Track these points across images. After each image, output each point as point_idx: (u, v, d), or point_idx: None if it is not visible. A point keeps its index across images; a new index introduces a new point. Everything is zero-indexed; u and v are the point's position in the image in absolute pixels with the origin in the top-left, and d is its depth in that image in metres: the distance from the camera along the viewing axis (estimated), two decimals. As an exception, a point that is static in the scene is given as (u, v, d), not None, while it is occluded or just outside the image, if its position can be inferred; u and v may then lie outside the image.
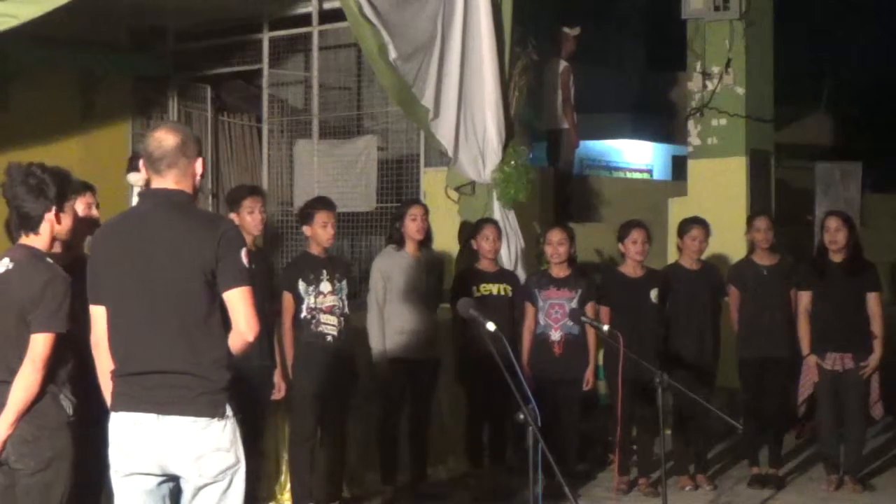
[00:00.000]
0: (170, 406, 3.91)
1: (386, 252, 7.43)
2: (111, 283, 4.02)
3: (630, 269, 7.66)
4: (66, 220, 4.63)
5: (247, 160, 11.45)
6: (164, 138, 4.04)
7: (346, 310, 6.91)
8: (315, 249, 6.92)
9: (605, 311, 7.58)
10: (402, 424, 7.39)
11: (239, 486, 4.02)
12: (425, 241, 7.42)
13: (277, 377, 6.61)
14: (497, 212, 8.61)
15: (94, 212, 5.35)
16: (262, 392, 6.45)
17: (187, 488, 3.99)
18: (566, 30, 11.57)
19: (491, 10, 8.57)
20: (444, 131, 8.62)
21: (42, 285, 4.40)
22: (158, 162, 4.04)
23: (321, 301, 6.79)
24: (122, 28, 10.83)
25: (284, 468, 7.07)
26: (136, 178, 7.77)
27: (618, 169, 19.70)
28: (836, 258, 7.61)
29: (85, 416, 4.67)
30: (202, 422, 3.92)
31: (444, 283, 7.71)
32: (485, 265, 7.64)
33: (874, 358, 7.53)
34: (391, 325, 7.22)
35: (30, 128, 9.66)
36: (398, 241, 7.36)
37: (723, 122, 10.30)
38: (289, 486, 7.02)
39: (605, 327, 6.60)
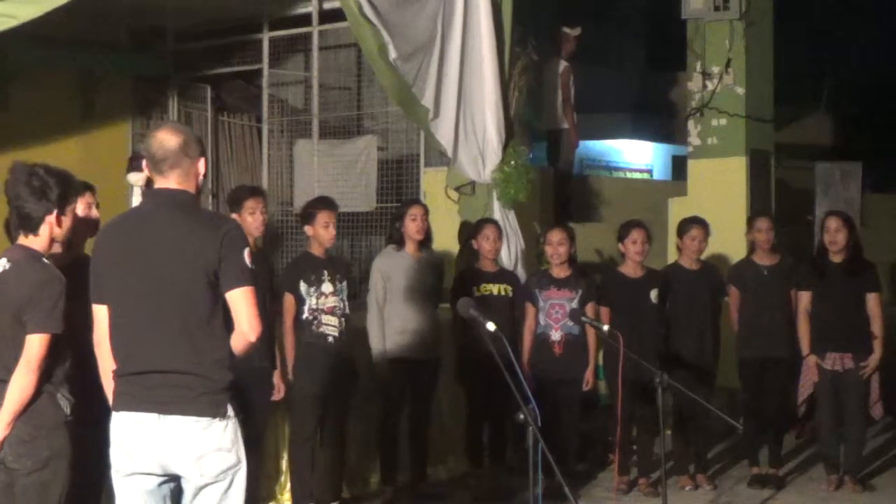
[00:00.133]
0: (171, 406, 3.91)
1: (386, 252, 7.43)
2: (113, 283, 4.03)
3: (630, 269, 7.66)
4: (66, 223, 4.63)
5: (247, 160, 11.45)
6: (166, 139, 4.04)
7: (347, 310, 6.91)
8: (316, 250, 6.92)
9: (605, 311, 7.59)
10: (402, 424, 7.39)
11: (240, 486, 4.02)
12: (425, 241, 7.42)
13: (277, 378, 6.61)
14: (497, 212, 8.61)
15: (94, 212, 5.34)
16: (262, 393, 6.44)
17: (188, 488, 3.99)
18: (567, 30, 11.57)
19: (491, 10, 8.57)
20: (443, 131, 8.62)
21: (37, 286, 4.40)
22: (161, 163, 4.04)
23: (323, 302, 6.79)
24: (122, 28, 10.84)
25: (284, 468, 7.07)
26: (136, 178, 7.79)
27: (618, 169, 19.70)
28: (836, 258, 7.61)
29: (85, 416, 4.68)
30: (203, 422, 3.92)
31: (444, 283, 7.70)
32: (485, 265, 7.64)
33: (874, 358, 7.53)
34: (391, 326, 7.22)
35: (30, 128, 9.66)
36: (398, 241, 7.36)
37: (723, 122, 10.30)
38: (289, 486, 7.02)
39: (605, 327, 6.60)
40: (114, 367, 4.03)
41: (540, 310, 7.55)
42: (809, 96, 16.81)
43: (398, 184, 9.93)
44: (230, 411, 3.97)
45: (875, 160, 13.67)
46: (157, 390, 3.92)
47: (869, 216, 11.93)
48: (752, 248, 7.97)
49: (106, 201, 5.70)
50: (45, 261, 4.53)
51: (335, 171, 10.19)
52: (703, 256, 7.94)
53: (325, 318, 6.79)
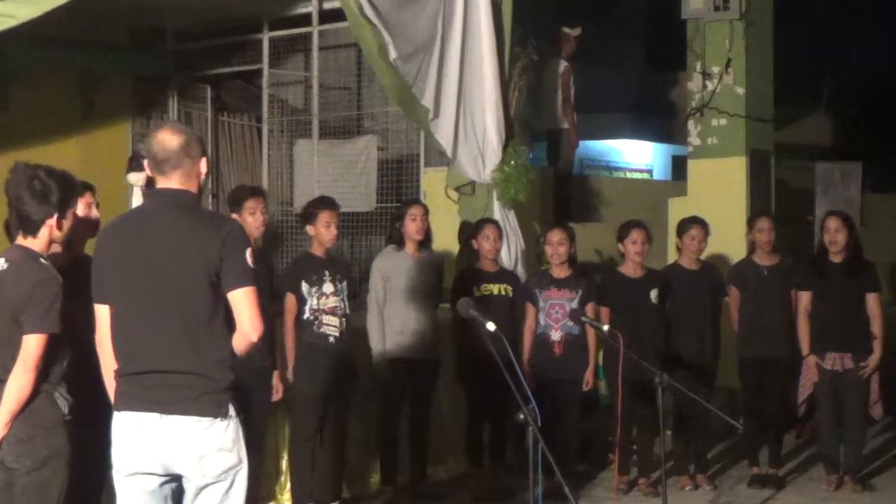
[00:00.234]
0: (173, 406, 3.91)
1: (386, 252, 7.43)
2: (115, 283, 4.03)
3: (630, 269, 7.66)
4: (66, 226, 4.64)
5: (247, 160, 11.45)
6: (168, 139, 4.04)
7: (347, 310, 6.92)
8: (317, 250, 6.92)
9: (605, 311, 7.58)
10: (402, 424, 7.39)
11: (241, 486, 4.02)
12: (425, 241, 7.42)
13: (276, 379, 6.61)
14: (497, 212, 8.61)
15: (94, 212, 5.35)
16: (262, 393, 6.44)
17: (189, 488, 3.99)
18: (567, 30, 11.57)
19: (491, 10, 8.57)
20: (443, 131, 8.62)
21: (33, 286, 4.41)
22: (163, 163, 4.04)
23: (324, 302, 6.79)
24: (122, 28, 10.84)
25: (284, 468, 7.08)
26: (136, 178, 7.79)
27: (618, 169, 19.70)
28: (836, 258, 7.61)
29: (86, 416, 4.68)
30: (205, 421, 3.92)
31: (444, 283, 7.70)
32: (485, 265, 7.64)
33: (874, 358, 7.53)
34: (391, 326, 7.22)
35: (30, 128, 9.66)
36: (398, 241, 7.36)
37: (723, 122, 10.29)
38: (289, 486, 7.03)
39: (606, 327, 6.61)
40: (115, 366, 4.04)
41: (540, 310, 7.56)
42: (809, 96, 16.81)
43: (398, 184, 9.93)
44: (232, 411, 3.97)
45: (875, 160, 13.67)
46: (159, 390, 3.92)
47: (869, 216, 11.93)
48: (752, 248, 7.97)
49: (106, 201, 5.70)
50: (43, 261, 4.54)
51: (335, 171, 10.19)
52: (703, 256, 7.95)
53: (325, 319, 6.79)
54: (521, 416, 4.33)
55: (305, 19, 10.36)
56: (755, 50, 10.31)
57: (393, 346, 7.19)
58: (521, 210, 8.94)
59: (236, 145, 11.49)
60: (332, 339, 6.80)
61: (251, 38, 10.73)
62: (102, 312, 4.07)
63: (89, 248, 5.03)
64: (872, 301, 7.60)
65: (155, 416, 3.92)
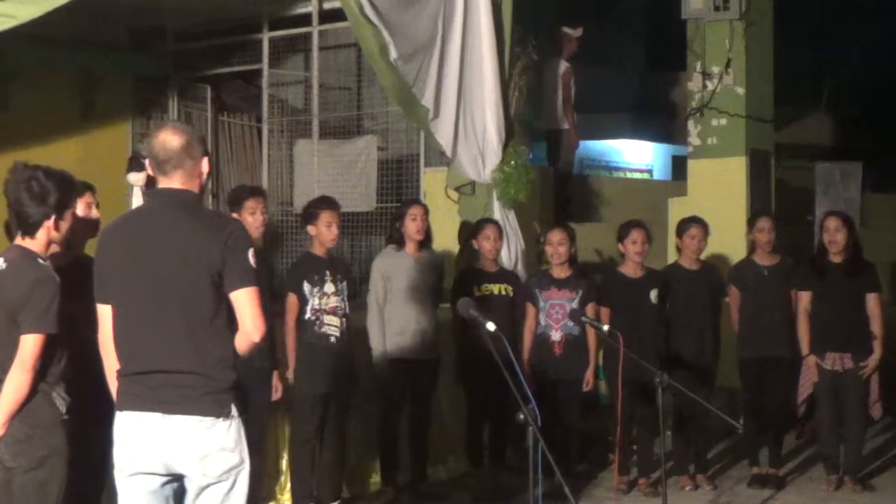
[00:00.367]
0: (175, 405, 3.91)
1: (386, 252, 7.43)
2: (117, 283, 4.03)
3: (630, 269, 7.66)
4: (64, 227, 4.65)
5: (247, 160, 11.45)
6: (169, 140, 4.04)
7: (347, 310, 6.92)
8: (318, 250, 6.92)
9: (605, 311, 7.58)
10: (402, 424, 7.39)
11: (243, 486, 4.02)
12: (425, 241, 7.42)
13: (276, 378, 6.61)
14: (497, 212, 8.61)
15: (94, 212, 5.35)
16: (262, 393, 6.44)
17: (191, 487, 4.00)
18: (568, 31, 11.57)
19: (491, 10, 8.57)
20: (443, 131, 8.61)
21: (30, 286, 4.42)
22: (164, 164, 4.04)
23: (325, 302, 6.80)
24: (122, 28, 10.84)
25: (284, 468, 7.08)
26: (136, 178, 7.78)
27: (618, 169, 19.70)
28: (836, 258, 7.61)
29: (86, 416, 4.69)
30: (207, 421, 3.92)
31: (444, 283, 7.70)
32: (485, 265, 7.64)
33: (874, 358, 7.53)
34: (391, 326, 7.22)
35: (30, 128, 9.66)
36: (398, 241, 7.36)
37: (723, 122, 10.29)
38: (289, 486, 7.03)
39: (606, 327, 6.61)
40: (118, 366, 4.04)
41: (540, 310, 7.56)
42: (809, 96, 16.80)
43: (398, 184, 9.93)
44: (234, 411, 3.97)
45: (875, 160, 13.67)
46: (161, 390, 3.93)
47: (869, 216, 11.93)
48: (752, 248, 7.97)
49: (106, 201, 5.70)
50: (41, 261, 4.55)
51: (335, 171, 10.19)
52: (703, 256, 7.95)
53: (327, 319, 6.80)
54: (521, 416, 4.34)
55: (305, 19, 10.36)
56: (755, 50, 10.31)
57: (393, 346, 7.19)
58: (521, 210, 8.94)
59: (236, 145, 11.49)
60: (332, 339, 6.80)
61: (251, 38, 10.73)
62: (105, 312, 4.08)
63: (90, 248, 5.04)
64: (872, 301, 7.61)
65: (157, 415, 3.92)
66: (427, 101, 8.51)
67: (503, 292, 7.55)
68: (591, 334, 7.46)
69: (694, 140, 10.51)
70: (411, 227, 7.31)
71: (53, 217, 4.56)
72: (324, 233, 6.86)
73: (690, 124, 10.54)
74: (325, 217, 6.86)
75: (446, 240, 8.63)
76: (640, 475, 7.64)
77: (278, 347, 6.66)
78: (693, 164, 10.56)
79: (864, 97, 18.03)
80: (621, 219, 8.24)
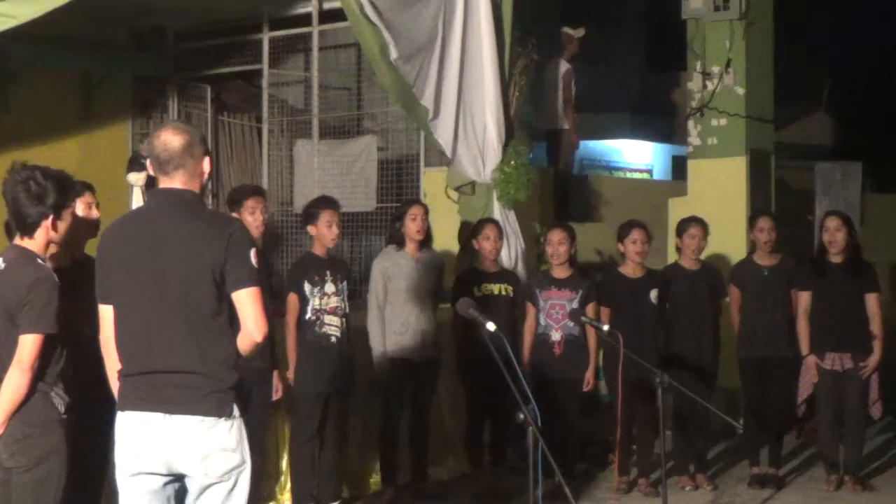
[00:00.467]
0: (177, 405, 3.92)
1: (386, 252, 7.43)
2: (119, 283, 4.03)
3: (630, 269, 7.66)
4: (62, 227, 4.65)
5: (247, 160, 11.45)
6: (171, 140, 4.04)
7: (347, 310, 6.92)
8: (318, 250, 6.92)
9: (605, 311, 7.58)
10: (402, 424, 7.38)
11: (244, 486, 4.03)
12: (426, 241, 7.42)
13: (276, 378, 6.61)
14: (497, 212, 8.61)
15: (94, 212, 5.36)
16: (262, 393, 6.44)
17: (193, 487, 4.00)
18: (570, 31, 11.56)
19: (491, 11, 8.57)
20: (443, 131, 8.62)
21: (28, 286, 4.43)
22: (166, 164, 4.04)
23: (326, 302, 6.80)
24: (122, 28, 10.84)
25: (284, 468, 7.08)
26: (136, 178, 7.78)
27: (618, 169, 19.71)
28: (836, 259, 7.61)
29: (86, 416, 4.69)
30: (209, 421, 3.92)
31: (444, 283, 7.70)
32: (486, 265, 7.64)
33: (873, 358, 7.53)
34: (391, 326, 7.22)
35: (30, 128, 9.67)
36: (398, 241, 7.36)
37: (723, 122, 10.29)
38: (289, 486, 7.03)
39: (606, 327, 6.61)
40: (120, 366, 4.04)
41: (540, 310, 7.56)
42: (809, 96, 16.81)
43: (398, 184, 9.93)
44: (236, 411, 3.98)
45: (875, 160, 13.68)
46: (163, 390, 3.93)
47: (869, 216, 11.93)
48: (753, 247, 7.97)
49: (106, 201, 5.71)
50: (40, 261, 4.56)
51: (335, 171, 10.19)
52: (703, 256, 7.95)
53: (327, 319, 6.80)
54: (521, 416, 4.34)
55: (305, 19, 10.35)
56: (755, 50, 10.30)
57: (393, 346, 7.19)
58: (521, 210, 8.94)
59: (236, 145, 11.49)
60: (333, 339, 6.81)
61: (251, 38, 10.73)
62: (107, 313, 4.08)
63: (90, 248, 5.04)
64: (872, 301, 7.61)
65: (159, 415, 3.93)
66: (427, 101, 8.51)
67: (503, 292, 7.55)
68: (591, 334, 7.46)
69: (694, 140, 10.51)
70: (411, 227, 7.31)
71: (51, 217, 4.57)
72: (324, 233, 6.86)
73: (690, 124, 10.53)
74: (326, 217, 6.86)
75: (446, 240, 8.63)
76: (640, 475, 7.64)
77: (278, 347, 6.66)
78: (693, 164, 10.56)
79: (864, 97, 18.05)
80: (621, 219, 8.24)
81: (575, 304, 7.46)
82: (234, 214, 6.43)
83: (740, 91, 10.23)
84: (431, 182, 9.63)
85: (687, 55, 10.55)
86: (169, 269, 3.96)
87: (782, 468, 7.98)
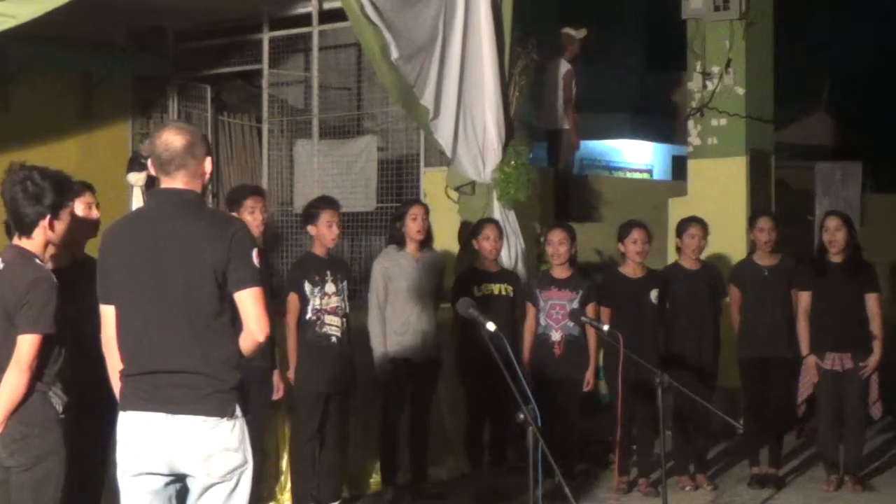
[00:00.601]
0: (179, 406, 3.92)
1: (387, 252, 7.43)
2: (120, 283, 4.03)
3: (630, 269, 7.66)
4: (60, 227, 4.65)
5: (247, 160, 11.44)
6: (172, 140, 4.04)
7: (348, 310, 6.92)
8: (318, 250, 6.92)
9: (605, 311, 7.58)
10: (402, 424, 7.38)
11: (245, 486, 4.03)
12: (426, 241, 7.42)
13: (276, 378, 6.61)
14: (497, 212, 8.61)
15: (94, 212, 5.36)
16: (262, 393, 6.44)
17: (194, 487, 4.00)
18: (571, 32, 11.56)
19: (491, 11, 8.57)
20: (443, 131, 8.62)
21: (27, 286, 4.43)
22: (167, 164, 4.04)
23: (326, 302, 6.80)
24: (122, 28, 10.84)
25: (284, 468, 7.08)
26: (136, 178, 7.78)
27: (618, 169, 19.72)
28: (836, 259, 7.61)
29: (86, 416, 4.69)
30: (211, 421, 3.92)
31: (444, 283, 7.70)
32: (486, 265, 7.64)
33: (873, 358, 7.53)
34: (392, 326, 7.22)
35: (30, 128, 9.67)
36: (399, 241, 7.36)
37: (723, 122, 10.29)
38: (289, 486, 7.03)
39: (606, 327, 6.61)
40: (121, 367, 4.04)
41: (540, 310, 7.55)
42: (809, 96, 16.81)
43: (398, 184, 9.93)
44: (238, 411, 3.98)
45: (875, 160, 13.68)
46: (165, 390, 3.93)
47: (869, 216, 11.93)
48: (753, 247, 7.97)
49: (106, 201, 5.71)
50: (38, 261, 4.56)
51: (335, 171, 10.19)
52: (703, 256, 7.95)
53: (328, 319, 6.80)
54: (521, 416, 4.34)
55: (305, 19, 10.35)
56: (755, 50, 10.30)
57: (394, 346, 7.19)
58: (521, 210, 8.94)
59: (236, 145, 11.49)
60: (333, 339, 6.81)
61: (251, 38, 10.73)
62: (108, 313, 4.08)
63: (90, 248, 5.04)
64: (872, 301, 7.61)
65: (161, 415, 3.93)
66: (427, 101, 8.51)
67: (503, 292, 7.55)
68: (591, 334, 7.46)
69: (694, 140, 10.51)
70: (412, 227, 7.31)
71: (49, 217, 4.57)
72: (324, 233, 6.86)
73: (690, 124, 10.53)
74: (326, 217, 6.86)
75: (446, 240, 8.62)
76: (640, 475, 7.64)
77: (278, 347, 6.66)
78: (693, 164, 10.56)
79: (864, 97, 18.05)
80: (621, 219, 8.24)
81: (575, 304, 7.46)
82: (234, 214, 6.42)
83: (740, 91, 10.23)
84: (431, 182, 9.63)
85: (687, 55, 10.55)
86: (170, 269, 3.95)
87: (782, 468, 7.98)
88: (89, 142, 10.50)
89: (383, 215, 9.48)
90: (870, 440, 8.27)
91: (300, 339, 6.79)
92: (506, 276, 7.71)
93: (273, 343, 6.51)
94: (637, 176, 19.78)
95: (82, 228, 5.20)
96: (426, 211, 7.43)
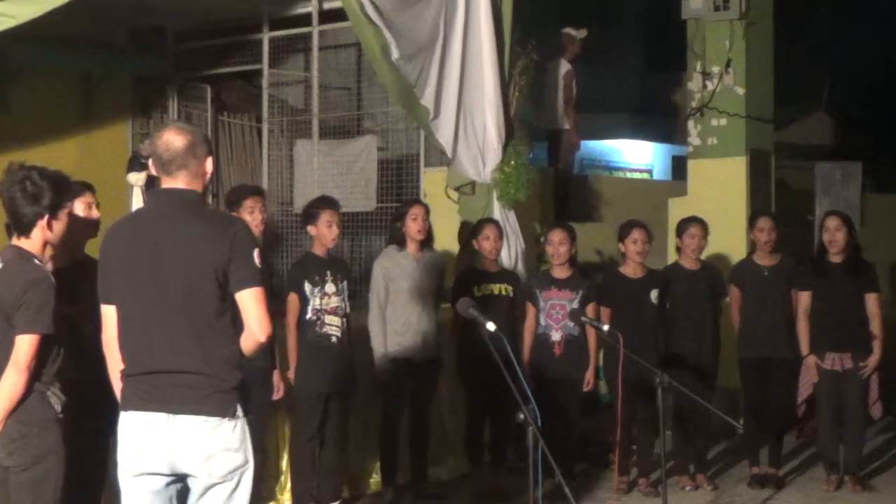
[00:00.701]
0: (180, 406, 3.92)
1: (388, 252, 7.43)
2: (122, 283, 4.03)
3: (630, 269, 7.66)
4: (58, 227, 4.65)
5: (247, 160, 11.45)
6: (173, 140, 4.04)
7: (348, 310, 6.92)
8: (318, 250, 6.92)
9: (605, 311, 7.58)
10: (402, 424, 7.38)
11: (246, 486, 4.03)
12: (427, 241, 7.42)
13: (276, 378, 6.61)
14: (497, 212, 8.61)
15: (94, 212, 5.36)
16: (262, 392, 6.44)
17: (195, 487, 4.00)
18: (572, 32, 11.56)
19: (491, 11, 8.57)
20: (443, 131, 8.62)
21: (25, 286, 4.43)
22: (168, 164, 4.04)
23: (326, 302, 6.80)
24: (122, 28, 10.84)
25: (284, 468, 7.08)
26: (136, 178, 7.79)
27: (618, 169, 19.72)
28: (836, 259, 7.61)
29: (87, 416, 4.69)
30: (213, 421, 3.92)
31: (445, 283, 7.70)
32: (486, 265, 7.64)
33: (873, 358, 7.53)
34: (393, 326, 7.22)
35: (30, 128, 9.67)
36: (400, 241, 7.36)
37: (723, 122, 10.29)
38: (289, 486, 7.03)
39: (606, 327, 6.61)
40: (122, 367, 4.04)
41: (540, 310, 7.55)
42: (809, 96, 16.81)
43: (398, 184, 9.93)
44: (239, 411, 3.98)
45: (875, 160, 13.68)
46: (167, 390, 3.93)
47: (869, 216, 11.93)
48: (753, 247, 7.98)
49: (106, 201, 5.71)
50: (37, 261, 4.56)
51: (335, 171, 10.19)
52: (703, 256, 7.95)
53: (328, 319, 6.80)
54: (521, 416, 4.34)
55: (305, 19, 10.35)
56: (755, 50, 10.30)
57: (395, 346, 7.19)
58: (521, 210, 8.94)
59: (236, 145, 11.49)
60: (334, 339, 6.81)
61: (251, 38, 10.73)
62: (109, 313, 4.08)
63: (90, 248, 5.04)
64: (872, 301, 7.61)
65: (163, 416, 3.93)
66: (427, 101, 8.51)
67: (503, 292, 7.55)
68: (591, 334, 7.46)
69: (694, 140, 10.51)
70: (412, 227, 7.31)
71: (47, 217, 4.57)
72: (324, 233, 6.86)
73: (690, 124, 10.53)
74: (326, 217, 6.86)
75: (446, 240, 8.62)
76: (640, 475, 7.64)
77: (278, 347, 6.66)
78: (693, 164, 10.56)
79: (864, 97, 18.04)
80: (621, 219, 8.24)
81: (575, 304, 7.46)
82: (233, 214, 6.43)
83: (740, 91, 10.23)
84: (431, 182, 9.63)
85: (687, 55, 10.55)
86: (171, 269, 3.96)
87: (782, 468, 7.98)
88: (89, 142, 10.50)
89: (383, 215, 9.48)
90: (870, 440, 8.27)
91: (300, 339, 6.79)
92: (506, 276, 7.71)
93: (273, 343, 6.51)
94: (637, 176, 19.78)
95: (82, 228, 5.20)
96: (427, 211, 7.43)
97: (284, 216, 10.51)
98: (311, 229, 6.94)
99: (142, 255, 4.00)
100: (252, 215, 6.47)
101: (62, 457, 4.52)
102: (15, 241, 4.61)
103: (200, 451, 3.92)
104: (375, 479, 7.53)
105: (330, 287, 6.82)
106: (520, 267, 8.53)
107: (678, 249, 7.90)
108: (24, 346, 4.41)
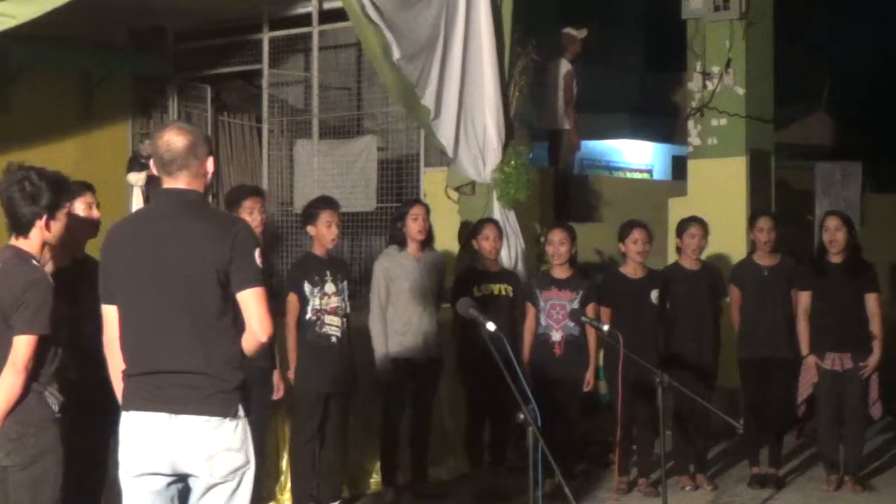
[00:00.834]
0: (181, 406, 3.92)
1: (388, 252, 7.43)
2: (123, 283, 4.03)
3: (631, 269, 7.66)
4: (57, 227, 4.65)
5: (247, 160, 11.44)
6: (174, 140, 4.04)
7: (348, 310, 6.93)
8: (318, 250, 6.92)
9: (605, 311, 7.58)
10: (402, 424, 7.38)
11: (248, 486, 4.04)
12: (427, 241, 7.42)
13: (276, 378, 6.61)
14: (497, 212, 8.61)
15: (94, 212, 5.36)
16: (262, 392, 6.44)
17: (197, 487, 4.00)
18: (573, 32, 11.56)
19: (491, 11, 8.58)
20: (444, 131, 8.62)
21: (23, 287, 4.43)
22: (169, 164, 4.04)
23: (326, 302, 6.80)
24: (122, 28, 10.83)
25: (284, 468, 7.08)
26: (136, 178, 7.79)
27: (618, 169, 19.73)
28: (836, 258, 7.62)
29: (87, 416, 4.69)
30: (214, 421, 3.93)
31: (445, 283, 7.70)
32: (486, 265, 7.64)
33: (873, 358, 7.53)
34: (393, 326, 7.22)
35: (30, 128, 9.66)
36: (400, 241, 7.36)
37: (723, 122, 10.29)
38: (289, 486, 7.03)
39: (606, 327, 6.61)
40: (124, 367, 4.04)
41: (540, 310, 7.55)
42: (809, 96, 16.82)
43: (398, 184, 9.93)
44: (241, 411, 3.98)
45: (875, 160, 13.68)
46: (168, 390, 3.93)
47: (869, 216, 11.93)
48: (753, 247, 7.98)
49: (106, 201, 5.71)
50: (35, 262, 4.56)
51: (335, 171, 10.18)
52: (703, 256, 7.95)
53: (328, 319, 6.80)
54: (521, 416, 4.34)
55: (305, 19, 10.35)
56: (755, 50, 10.31)
57: (395, 346, 7.19)
58: (521, 210, 8.94)
59: (236, 145, 11.49)
60: (334, 339, 6.81)
61: (251, 38, 10.72)
62: (110, 313, 4.07)
63: (90, 248, 5.04)
64: (872, 301, 7.61)
65: (164, 416, 3.93)
66: (428, 101, 8.51)
67: (503, 292, 7.55)
68: (591, 334, 7.46)
69: (694, 140, 10.51)
70: (413, 227, 7.31)
71: (45, 217, 4.57)
72: (324, 233, 6.86)
73: (690, 124, 10.54)
74: (325, 217, 6.86)
75: (446, 240, 8.62)
76: (640, 475, 7.64)
77: (278, 347, 6.66)
78: (693, 164, 10.56)
79: (864, 97, 18.04)
80: (621, 219, 8.24)
81: (575, 305, 7.46)
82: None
83: (740, 91, 10.23)
84: (431, 182, 9.63)
85: (687, 55, 10.55)
86: (172, 269, 3.96)
87: (782, 468, 7.98)
88: (89, 142, 10.50)
89: (383, 215, 9.48)
90: (870, 440, 8.27)
91: (300, 339, 6.79)
92: (506, 276, 7.71)
93: (273, 343, 6.51)
94: (637, 176, 19.79)
95: (82, 228, 5.20)
96: (427, 211, 7.43)
97: (284, 216, 10.51)
98: (310, 229, 6.94)
99: (143, 256, 4.00)
100: (251, 216, 6.46)
101: (60, 456, 4.53)
102: (13, 242, 4.61)
103: (202, 451, 3.92)
104: (375, 479, 7.53)
105: (330, 287, 6.82)
106: (520, 267, 8.53)
107: (678, 249, 7.91)
108: (22, 346, 4.41)
